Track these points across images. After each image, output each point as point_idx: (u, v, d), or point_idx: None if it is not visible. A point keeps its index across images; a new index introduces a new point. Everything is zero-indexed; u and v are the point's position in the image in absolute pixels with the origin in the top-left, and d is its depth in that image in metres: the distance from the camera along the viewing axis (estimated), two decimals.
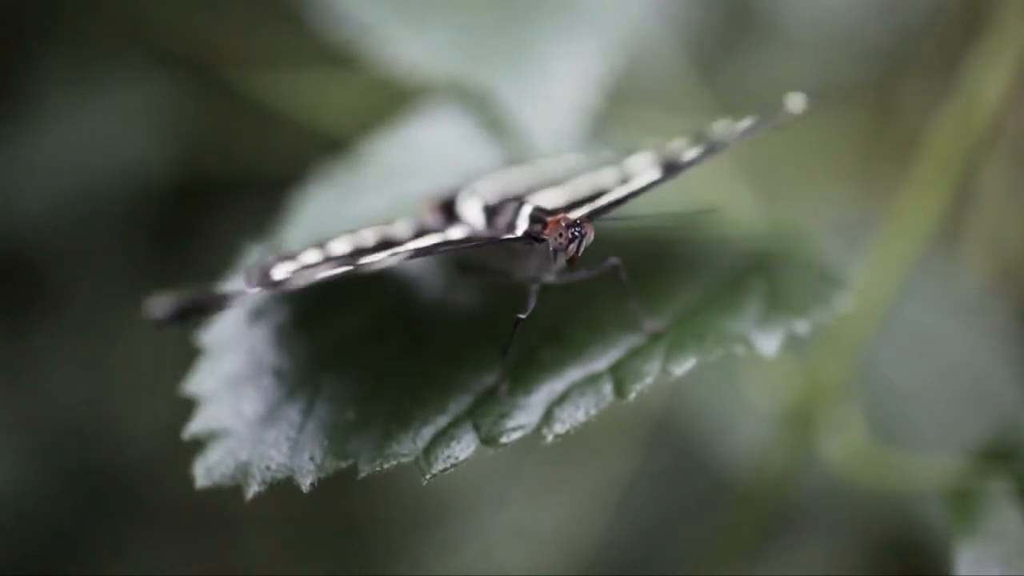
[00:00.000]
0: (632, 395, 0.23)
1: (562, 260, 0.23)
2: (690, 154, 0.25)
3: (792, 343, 0.24)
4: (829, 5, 0.50)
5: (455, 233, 0.25)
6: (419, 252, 0.23)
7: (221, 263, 0.26)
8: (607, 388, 0.23)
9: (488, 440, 0.22)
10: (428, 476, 0.22)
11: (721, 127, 0.26)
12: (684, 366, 0.23)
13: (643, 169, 0.26)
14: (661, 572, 0.43)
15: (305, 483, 0.22)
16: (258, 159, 0.45)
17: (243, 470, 0.23)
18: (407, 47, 0.32)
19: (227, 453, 0.23)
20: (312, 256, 0.23)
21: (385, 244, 0.24)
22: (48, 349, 0.45)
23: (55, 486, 0.44)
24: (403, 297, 0.26)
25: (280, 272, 0.22)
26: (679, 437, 0.44)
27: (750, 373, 0.33)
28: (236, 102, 0.45)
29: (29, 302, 0.46)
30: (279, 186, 0.29)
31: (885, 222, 0.32)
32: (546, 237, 0.23)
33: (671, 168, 0.25)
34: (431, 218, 0.26)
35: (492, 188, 0.26)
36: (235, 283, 0.21)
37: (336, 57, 0.33)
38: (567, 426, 0.23)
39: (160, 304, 0.19)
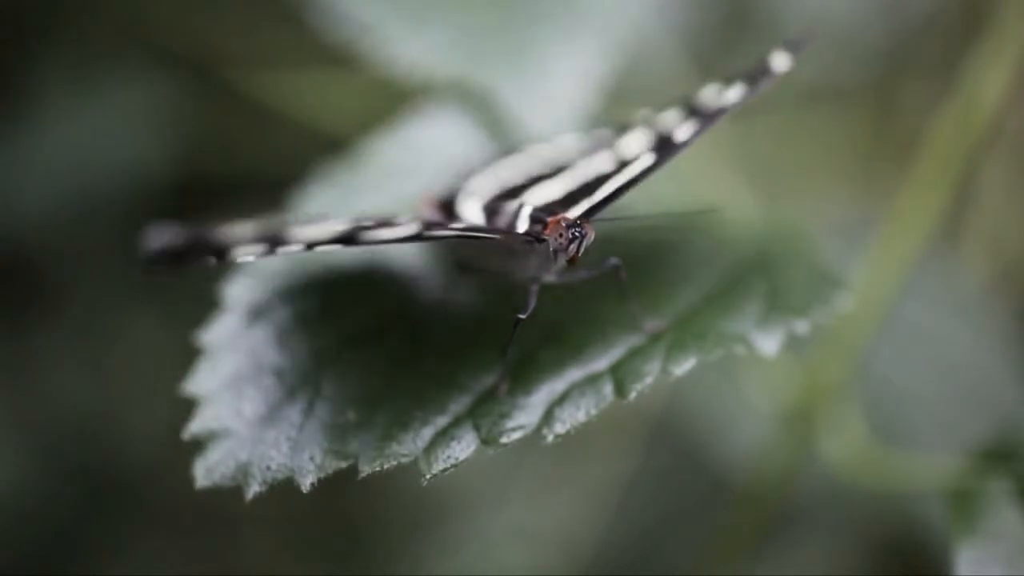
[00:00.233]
0: (632, 395, 0.23)
1: (562, 260, 0.23)
2: (685, 131, 0.25)
3: (792, 343, 0.24)
4: (829, 5, 0.50)
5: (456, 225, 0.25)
6: (420, 235, 0.22)
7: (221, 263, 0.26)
8: (607, 388, 0.23)
9: (488, 440, 0.22)
10: (428, 476, 0.22)
11: (710, 93, 0.26)
12: (684, 366, 0.23)
13: (638, 150, 0.25)
14: (661, 572, 0.43)
15: (305, 483, 0.22)
16: (258, 159, 0.45)
17: (243, 470, 0.23)
18: (407, 47, 0.32)
19: (227, 453, 0.23)
20: (316, 227, 0.23)
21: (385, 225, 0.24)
22: (48, 349, 0.45)
23: (55, 486, 0.44)
24: (403, 297, 0.26)
25: (284, 234, 0.22)
26: (679, 437, 0.43)
27: (750, 373, 0.33)
28: (236, 102, 0.45)
29: (29, 302, 0.46)
30: (279, 186, 0.29)
31: (885, 222, 0.32)
32: (546, 237, 0.23)
33: (667, 148, 0.25)
34: (431, 214, 0.26)
35: (490, 185, 0.26)
36: (237, 232, 0.20)
37: (336, 57, 0.33)
38: (567, 426, 0.22)
39: (159, 235, 0.19)
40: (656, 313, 0.25)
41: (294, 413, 0.23)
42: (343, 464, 0.22)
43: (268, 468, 0.23)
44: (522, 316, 0.23)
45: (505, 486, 0.46)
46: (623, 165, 0.25)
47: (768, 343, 0.24)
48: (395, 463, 0.22)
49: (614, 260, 0.24)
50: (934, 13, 0.51)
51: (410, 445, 0.22)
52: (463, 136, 0.31)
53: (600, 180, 0.25)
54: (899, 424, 0.36)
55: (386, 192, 0.29)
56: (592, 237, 0.23)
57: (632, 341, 0.24)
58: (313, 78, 0.43)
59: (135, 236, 0.20)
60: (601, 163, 0.26)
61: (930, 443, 0.36)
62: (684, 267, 0.27)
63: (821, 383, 0.31)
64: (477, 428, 0.23)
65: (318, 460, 0.22)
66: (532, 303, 0.23)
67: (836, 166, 0.50)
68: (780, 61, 0.26)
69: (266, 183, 0.31)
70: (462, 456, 0.22)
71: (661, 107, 0.27)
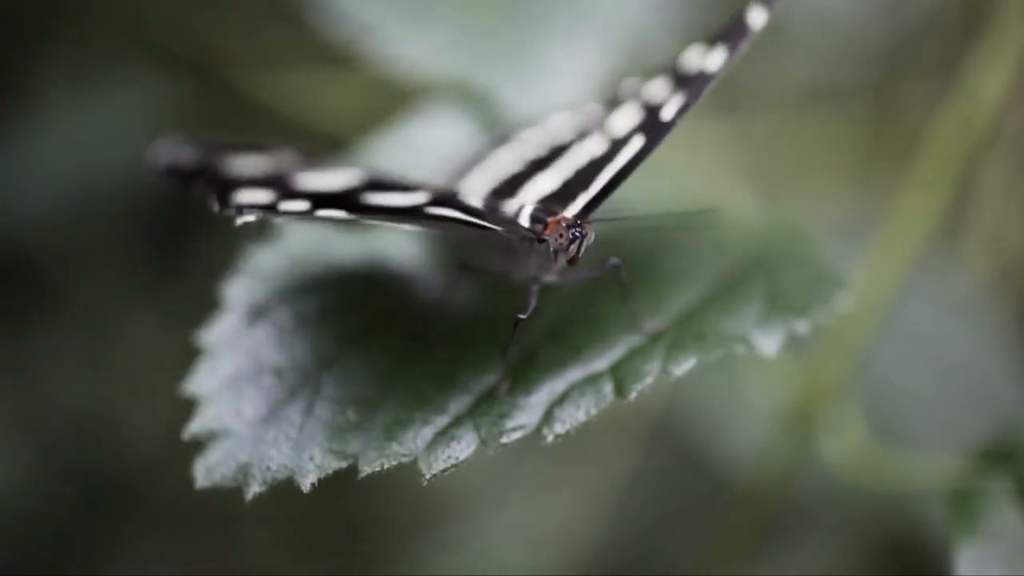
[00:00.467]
0: (632, 395, 0.23)
1: (563, 260, 0.23)
2: (673, 106, 0.24)
3: (792, 343, 0.24)
4: (829, 5, 0.50)
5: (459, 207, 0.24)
6: (421, 209, 0.22)
7: (221, 263, 0.26)
8: (607, 388, 0.23)
9: (488, 440, 0.22)
10: (428, 476, 0.22)
11: (694, 56, 0.25)
12: (684, 366, 0.23)
13: (628, 127, 0.25)
14: (661, 572, 0.43)
15: (305, 483, 0.22)
16: None
17: (243, 470, 0.23)
18: (407, 47, 0.32)
19: (227, 453, 0.23)
20: (325, 176, 0.21)
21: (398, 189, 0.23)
22: (48, 349, 0.45)
23: (55, 486, 0.44)
24: (403, 297, 0.26)
25: (292, 177, 0.21)
26: (679, 437, 0.43)
27: (750, 373, 0.33)
28: (236, 102, 0.45)
29: (29, 302, 0.46)
30: None
31: (885, 222, 0.32)
32: (547, 237, 0.23)
33: (657, 128, 0.24)
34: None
35: (485, 181, 0.26)
36: (246, 166, 0.19)
37: (336, 57, 0.33)
38: (567, 426, 0.22)
39: (168, 150, 0.18)
40: (656, 313, 0.25)
41: (294, 413, 0.23)
42: (343, 464, 0.22)
43: (268, 468, 0.23)
44: (522, 316, 0.23)
45: (505, 486, 0.46)
46: (615, 145, 0.25)
47: (768, 343, 0.24)
48: (395, 463, 0.22)
49: (614, 260, 0.24)
50: (934, 13, 0.51)
51: (410, 445, 0.22)
52: (463, 136, 0.31)
53: (594, 165, 0.24)
54: (899, 424, 0.36)
55: None
56: (592, 237, 0.23)
57: (632, 341, 0.24)
58: (313, 78, 0.43)
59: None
60: (593, 145, 0.26)
61: (930, 443, 0.36)
62: (684, 267, 0.27)
63: (821, 383, 0.31)
64: (477, 428, 0.23)
65: (318, 460, 0.23)
66: (532, 303, 0.23)
67: (836, 166, 0.50)
68: (756, 16, 0.24)
69: None
70: (462, 456, 0.22)
71: (647, 75, 0.27)
